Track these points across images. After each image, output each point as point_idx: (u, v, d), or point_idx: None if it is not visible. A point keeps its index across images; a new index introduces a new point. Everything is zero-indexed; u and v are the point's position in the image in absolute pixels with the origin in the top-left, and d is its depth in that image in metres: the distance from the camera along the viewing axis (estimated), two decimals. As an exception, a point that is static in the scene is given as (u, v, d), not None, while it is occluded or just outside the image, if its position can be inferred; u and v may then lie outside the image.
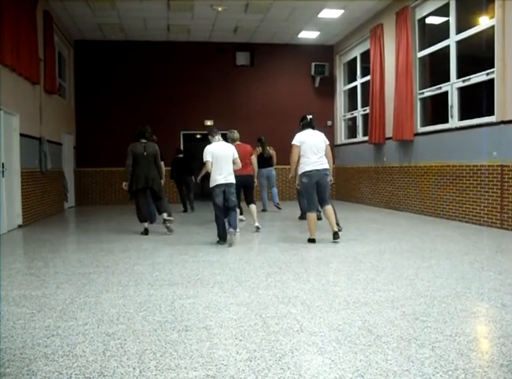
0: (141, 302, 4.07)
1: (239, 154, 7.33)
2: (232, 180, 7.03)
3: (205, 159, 7.00)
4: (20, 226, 9.25)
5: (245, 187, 8.47)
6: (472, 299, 4.04)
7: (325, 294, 4.24)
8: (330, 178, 7.07)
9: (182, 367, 2.74)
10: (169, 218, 8.13)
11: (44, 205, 10.91)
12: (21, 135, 9.34)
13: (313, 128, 7.19)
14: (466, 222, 8.93)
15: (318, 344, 3.06)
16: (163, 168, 9.13)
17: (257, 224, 8.28)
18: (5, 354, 2.95)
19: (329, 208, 6.99)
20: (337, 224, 7.30)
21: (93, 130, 14.59)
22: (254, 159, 8.68)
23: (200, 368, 2.73)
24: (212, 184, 7.01)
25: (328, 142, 7.11)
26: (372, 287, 4.45)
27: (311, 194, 6.92)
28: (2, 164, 8.41)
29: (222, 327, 3.42)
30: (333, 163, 7.62)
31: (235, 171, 7.16)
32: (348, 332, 3.26)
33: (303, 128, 7.18)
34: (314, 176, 6.85)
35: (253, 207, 8.56)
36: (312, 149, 6.88)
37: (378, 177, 12.52)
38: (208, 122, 14.80)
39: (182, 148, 14.07)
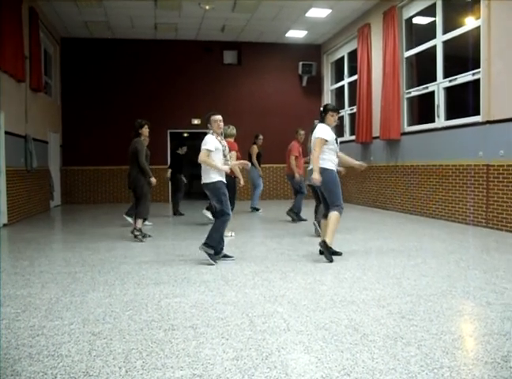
0: (128, 301, 4.04)
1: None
2: (203, 180, 5.74)
3: None
4: (5, 225, 9.14)
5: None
6: (458, 298, 4.08)
7: (311, 293, 4.24)
8: (315, 177, 5.71)
9: (168, 366, 2.73)
10: (136, 230, 7.30)
11: (30, 204, 10.80)
12: (6, 133, 9.23)
13: (322, 121, 6.38)
14: (452, 221, 9.00)
15: (304, 343, 3.06)
16: (147, 168, 7.65)
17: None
18: (-12, 355, 2.92)
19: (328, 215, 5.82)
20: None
21: (79, 129, 14.47)
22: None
23: (186, 367, 2.72)
24: None
25: (317, 135, 6.05)
26: (359, 286, 4.47)
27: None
28: (-13, 162, 8.33)
29: (209, 326, 3.41)
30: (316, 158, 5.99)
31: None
32: (335, 331, 3.27)
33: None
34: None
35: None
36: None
37: (365, 176, 12.57)
38: (196, 121, 14.76)
39: (179, 145, 13.87)
